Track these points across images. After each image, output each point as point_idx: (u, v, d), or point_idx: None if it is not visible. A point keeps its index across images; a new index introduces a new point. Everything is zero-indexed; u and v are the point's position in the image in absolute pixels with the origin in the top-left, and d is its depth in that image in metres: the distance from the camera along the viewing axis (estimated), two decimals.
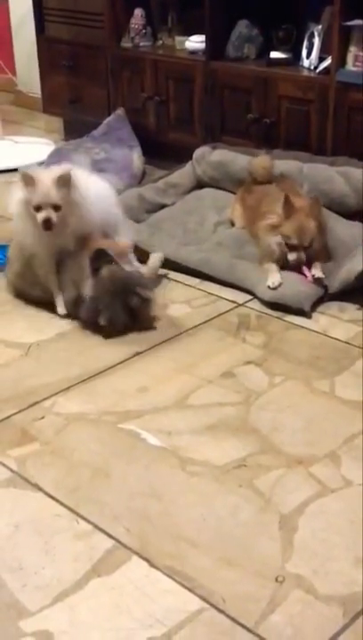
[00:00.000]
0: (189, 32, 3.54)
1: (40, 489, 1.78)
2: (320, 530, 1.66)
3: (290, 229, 2.50)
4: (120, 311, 2.34)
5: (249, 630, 1.43)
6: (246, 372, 2.21)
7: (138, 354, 2.30)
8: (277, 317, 2.48)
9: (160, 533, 1.65)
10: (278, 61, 3.29)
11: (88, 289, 2.33)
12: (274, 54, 3.31)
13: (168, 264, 2.74)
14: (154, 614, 1.47)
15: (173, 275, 2.74)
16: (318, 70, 3.15)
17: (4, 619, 1.46)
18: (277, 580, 1.54)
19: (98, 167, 3.44)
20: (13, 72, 4.83)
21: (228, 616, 1.46)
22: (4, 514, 1.71)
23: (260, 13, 3.35)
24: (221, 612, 1.47)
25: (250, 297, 2.59)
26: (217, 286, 2.67)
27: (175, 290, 2.66)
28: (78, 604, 1.49)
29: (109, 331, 2.36)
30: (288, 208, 2.52)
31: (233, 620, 1.46)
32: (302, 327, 2.43)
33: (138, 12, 3.63)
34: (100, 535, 1.65)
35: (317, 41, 3.17)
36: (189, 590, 1.52)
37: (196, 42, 3.48)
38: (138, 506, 1.73)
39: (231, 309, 2.54)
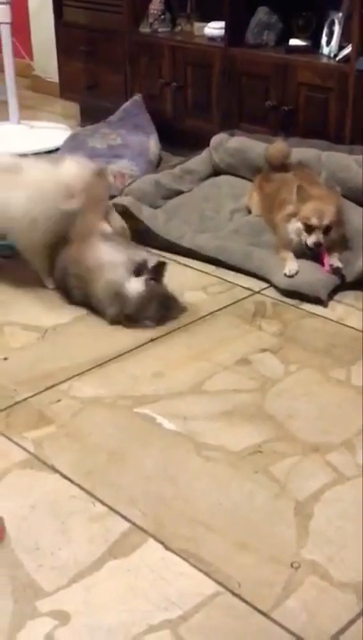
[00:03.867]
0: (208, 18, 3.53)
1: (56, 470, 1.79)
2: (336, 517, 1.66)
3: (309, 211, 2.50)
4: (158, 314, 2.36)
5: (264, 615, 1.44)
6: (261, 359, 2.21)
7: (154, 339, 2.30)
8: (293, 305, 2.48)
9: (176, 517, 1.66)
10: (297, 49, 3.28)
11: (134, 290, 2.32)
12: (293, 41, 3.30)
13: (184, 251, 2.74)
14: (169, 597, 1.47)
15: (188, 261, 2.74)
16: (337, 58, 3.13)
17: (20, 598, 1.47)
18: (292, 565, 1.54)
19: (114, 153, 3.44)
20: (31, 57, 4.82)
21: (243, 600, 1.47)
22: (20, 494, 1.72)
23: (280, 0, 3.33)
24: (236, 596, 1.48)
25: (266, 285, 2.59)
26: (233, 273, 2.66)
27: (191, 276, 2.66)
28: (94, 586, 1.50)
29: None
30: (302, 195, 2.51)
31: (248, 604, 1.46)
32: (319, 315, 2.42)
33: None
34: (115, 517, 1.66)
35: (337, 29, 3.15)
36: (205, 574, 1.52)
37: (215, 28, 3.47)
38: (153, 489, 1.73)
39: (247, 297, 2.54)
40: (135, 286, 2.30)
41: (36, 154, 3.67)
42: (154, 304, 2.33)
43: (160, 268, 2.34)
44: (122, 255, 2.37)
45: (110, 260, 2.36)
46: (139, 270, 2.31)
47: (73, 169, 2.44)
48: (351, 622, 1.42)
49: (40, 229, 2.44)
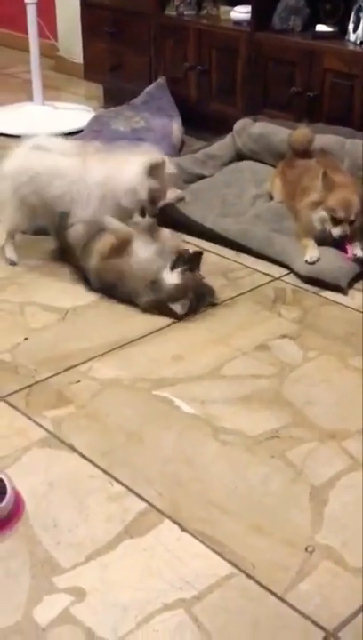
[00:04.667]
0: (235, 2, 3.50)
1: (75, 450, 1.81)
2: (351, 503, 1.67)
3: (336, 202, 2.49)
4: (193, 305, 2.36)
5: (278, 597, 1.46)
6: (280, 345, 2.22)
7: (173, 323, 2.31)
8: (313, 292, 2.48)
9: (192, 499, 1.68)
10: (323, 35, 3.25)
11: (171, 281, 2.32)
12: (320, 27, 3.27)
13: (206, 234, 2.75)
14: (184, 577, 1.50)
15: (209, 246, 2.74)
16: None
17: (38, 574, 1.50)
18: (306, 549, 1.56)
19: (137, 136, 3.44)
20: (55, 37, 4.82)
21: (257, 582, 1.49)
22: (39, 472, 1.74)
23: None
24: (250, 577, 1.50)
25: (286, 271, 2.59)
26: (253, 259, 2.67)
27: (212, 262, 2.66)
28: (110, 564, 1.53)
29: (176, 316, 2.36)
30: (328, 183, 2.51)
31: (263, 586, 1.48)
32: (338, 303, 2.43)
33: None
34: (132, 497, 1.68)
35: None
36: (220, 555, 1.54)
37: (241, 12, 3.45)
38: (170, 471, 1.75)
39: (267, 283, 2.54)
40: (172, 277, 2.31)
41: (59, 134, 3.69)
42: (189, 293, 2.33)
43: (196, 257, 2.35)
44: (155, 245, 2.38)
45: (143, 249, 2.38)
46: (176, 262, 2.32)
47: (138, 169, 2.46)
48: None
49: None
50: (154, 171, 2.43)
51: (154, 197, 2.46)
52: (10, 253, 2.61)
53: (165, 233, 2.52)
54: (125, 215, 2.47)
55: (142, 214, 2.47)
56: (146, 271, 2.35)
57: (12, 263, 2.60)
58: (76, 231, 2.49)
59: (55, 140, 2.63)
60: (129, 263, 2.37)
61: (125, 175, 2.44)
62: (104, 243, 2.41)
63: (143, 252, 2.38)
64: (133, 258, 2.37)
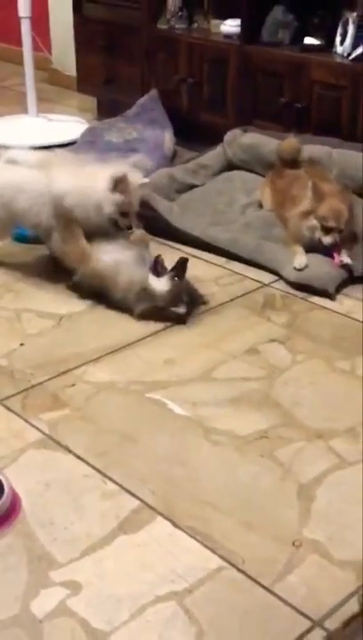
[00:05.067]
0: (225, 16, 3.58)
1: (70, 451, 1.86)
2: (337, 500, 1.73)
3: (327, 212, 2.56)
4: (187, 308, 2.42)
5: (266, 589, 1.51)
6: (270, 349, 2.28)
7: (166, 328, 2.37)
8: (301, 298, 2.54)
9: (184, 496, 1.73)
10: (311, 47, 3.33)
11: (161, 289, 2.39)
12: (308, 40, 3.35)
13: (197, 242, 2.81)
14: (176, 570, 1.55)
15: (200, 254, 2.81)
16: (351, 57, 3.19)
17: (35, 569, 1.55)
18: (294, 544, 1.62)
19: (130, 147, 3.51)
20: (49, 51, 4.89)
21: (246, 575, 1.54)
22: (35, 472, 1.80)
23: None
24: (240, 571, 1.55)
25: (276, 277, 2.66)
26: (243, 266, 2.73)
27: (202, 269, 2.73)
28: (105, 559, 1.58)
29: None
30: (318, 193, 2.57)
31: (251, 578, 1.54)
32: (326, 308, 2.49)
33: None
34: (126, 496, 1.73)
35: (351, 28, 3.20)
36: (211, 550, 1.60)
37: (231, 26, 3.52)
38: (163, 470, 1.81)
39: (257, 289, 2.61)
40: (161, 285, 2.37)
41: (53, 146, 3.76)
42: (181, 299, 2.39)
43: (182, 264, 2.40)
44: (129, 252, 2.45)
45: (120, 257, 2.44)
46: (156, 267, 2.38)
47: (102, 185, 2.49)
48: (349, 596, 1.49)
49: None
50: (119, 185, 2.46)
51: (123, 211, 2.49)
52: None
53: (137, 235, 2.57)
54: (99, 229, 2.50)
55: (116, 227, 2.51)
56: (129, 280, 2.40)
57: None
58: (56, 241, 2.54)
59: (27, 153, 2.66)
60: (110, 272, 2.42)
61: (90, 190, 2.47)
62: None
63: (113, 251, 2.44)
64: (110, 266, 2.43)
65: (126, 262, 2.43)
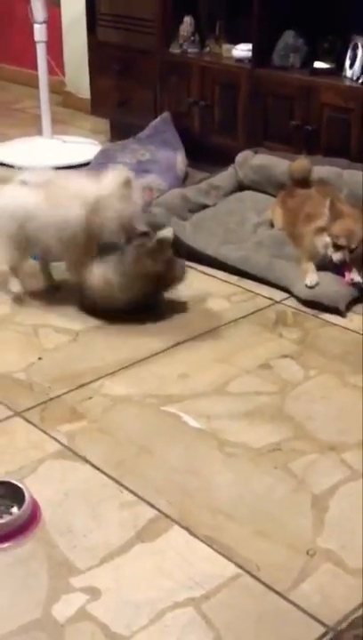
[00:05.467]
0: (236, 40, 3.66)
1: (88, 461, 1.91)
2: (349, 510, 1.77)
3: (340, 230, 2.62)
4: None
5: (281, 595, 1.55)
6: (282, 364, 2.32)
7: (179, 343, 2.42)
8: (312, 315, 2.59)
9: (199, 506, 1.77)
10: (321, 71, 3.41)
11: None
12: (318, 64, 3.42)
13: (209, 261, 2.87)
14: (193, 577, 1.59)
15: (213, 271, 2.86)
16: (360, 81, 3.26)
17: (56, 575, 1.59)
18: (308, 552, 1.65)
19: (143, 168, 3.57)
20: (63, 74, 4.99)
21: (262, 582, 1.58)
22: (54, 482, 1.84)
23: (306, 24, 3.46)
24: (255, 578, 1.59)
25: (287, 295, 2.71)
26: (255, 284, 2.78)
27: (215, 286, 2.78)
28: (123, 566, 1.62)
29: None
30: (335, 211, 2.64)
31: (267, 585, 1.57)
32: (337, 325, 2.54)
33: (187, 19, 3.76)
34: (143, 505, 1.77)
35: (360, 52, 3.28)
36: (226, 558, 1.64)
37: (242, 50, 3.60)
38: (179, 481, 1.85)
39: (269, 306, 2.66)
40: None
41: (68, 167, 3.84)
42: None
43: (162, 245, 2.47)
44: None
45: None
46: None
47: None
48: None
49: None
50: (97, 205, 2.49)
51: (121, 225, 2.51)
52: (14, 287, 2.66)
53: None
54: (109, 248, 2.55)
55: (128, 241, 2.54)
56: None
57: (18, 297, 2.65)
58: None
59: (37, 174, 2.69)
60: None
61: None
62: None
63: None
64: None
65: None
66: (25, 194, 2.57)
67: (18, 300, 2.65)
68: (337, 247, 2.64)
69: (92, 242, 2.52)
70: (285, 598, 1.55)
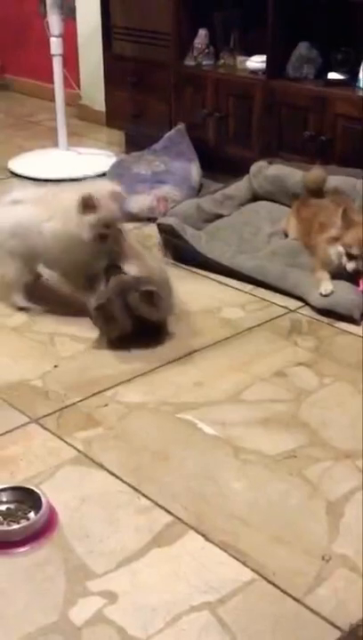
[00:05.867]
0: (251, 52, 3.69)
1: (104, 468, 1.92)
2: None
3: (352, 239, 2.63)
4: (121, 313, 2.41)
5: (297, 600, 1.56)
6: (297, 372, 2.33)
7: (195, 351, 2.44)
8: (327, 323, 2.60)
9: (215, 512, 1.78)
10: (335, 82, 3.43)
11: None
12: (332, 75, 3.45)
13: (224, 270, 2.89)
14: (209, 582, 1.60)
15: (228, 280, 2.88)
16: None
17: (73, 579, 1.61)
18: (323, 558, 1.66)
19: (158, 179, 3.61)
20: (79, 87, 5.04)
21: (277, 587, 1.59)
22: (71, 488, 1.86)
23: (320, 36, 3.49)
24: (271, 583, 1.60)
25: (301, 304, 2.72)
26: (270, 293, 2.80)
27: (230, 295, 2.80)
28: (140, 570, 1.63)
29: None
30: (347, 220, 2.65)
31: (282, 590, 1.58)
32: (351, 333, 2.54)
33: (202, 32, 3.80)
34: (159, 511, 1.79)
35: None
36: (242, 563, 1.65)
37: (257, 62, 3.63)
38: (194, 487, 1.86)
39: (284, 314, 2.67)
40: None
41: (84, 178, 3.88)
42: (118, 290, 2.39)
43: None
44: None
45: None
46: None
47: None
48: None
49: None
50: (88, 206, 2.48)
51: (101, 232, 2.47)
52: (21, 302, 2.69)
53: None
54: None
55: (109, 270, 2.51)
56: None
57: (25, 309, 2.68)
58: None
59: (28, 191, 2.74)
60: None
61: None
62: None
63: None
64: None
65: None
66: (21, 210, 2.61)
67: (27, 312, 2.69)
68: (350, 256, 2.65)
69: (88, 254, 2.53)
70: (300, 603, 1.55)
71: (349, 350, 2.45)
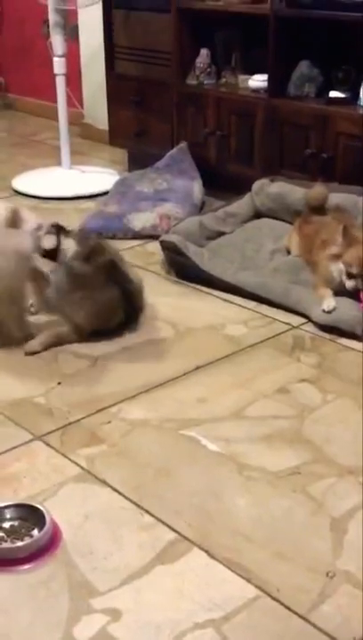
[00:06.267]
0: (252, 71, 3.72)
1: (107, 484, 1.92)
2: None
3: (352, 258, 2.64)
4: None
5: (301, 617, 1.55)
6: (300, 388, 2.34)
7: (198, 368, 2.45)
8: (330, 340, 2.61)
9: (219, 529, 1.78)
10: (336, 100, 3.45)
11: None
12: (333, 93, 3.47)
13: (227, 287, 2.90)
14: (213, 599, 1.59)
15: (230, 297, 2.89)
16: None
17: (76, 596, 1.60)
18: (327, 574, 1.65)
19: (160, 197, 3.63)
20: (82, 106, 5.08)
21: (282, 604, 1.58)
22: (75, 505, 1.86)
23: (321, 54, 3.52)
24: (275, 600, 1.59)
25: (304, 320, 2.72)
26: (273, 309, 2.80)
27: (233, 311, 2.81)
28: (144, 587, 1.63)
29: None
30: (348, 237, 2.66)
31: (287, 607, 1.58)
32: (354, 350, 2.55)
33: (204, 51, 3.83)
34: (162, 528, 1.78)
35: None
36: (246, 580, 1.64)
37: (258, 80, 3.66)
38: (198, 503, 1.86)
39: (286, 331, 2.67)
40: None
41: (87, 197, 3.91)
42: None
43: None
44: None
45: None
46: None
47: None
48: None
49: None
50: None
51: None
52: None
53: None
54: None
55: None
56: None
57: None
58: None
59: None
60: None
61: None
62: None
63: None
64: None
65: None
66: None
67: None
68: (350, 275, 2.66)
69: None
70: (305, 619, 1.55)
71: (352, 366, 2.45)
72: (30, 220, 2.51)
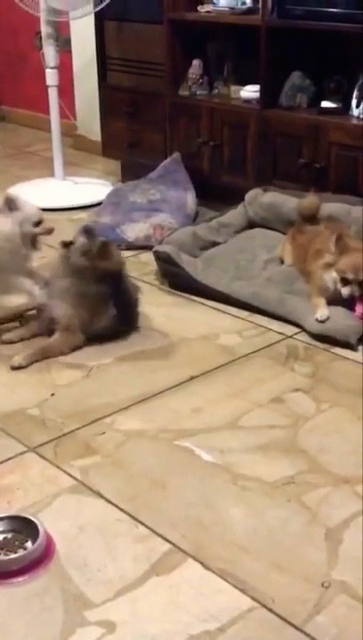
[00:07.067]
0: (244, 82, 3.73)
1: (102, 496, 1.91)
2: None
3: (346, 265, 2.65)
4: None
5: (297, 628, 1.54)
6: (294, 398, 2.33)
7: (192, 378, 2.44)
8: (324, 349, 2.60)
9: (214, 540, 1.77)
10: (328, 110, 3.46)
11: None
12: (325, 103, 3.48)
13: (220, 297, 2.90)
14: (208, 610, 1.58)
15: (224, 307, 2.89)
16: None
17: (70, 609, 1.59)
18: (323, 585, 1.65)
19: (154, 207, 3.63)
20: (74, 117, 5.08)
21: (277, 615, 1.58)
22: (69, 517, 1.85)
23: (312, 65, 3.54)
24: (270, 611, 1.59)
25: (298, 329, 2.72)
26: (266, 319, 2.80)
27: (227, 321, 2.81)
28: (139, 599, 1.62)
29: None
30: (341, 245, 2.67)
31: (282, 618, 1.57)
32: (348, 359, 2.55)
33: (196, 62, 3.84)
34: (157, 539, 1.78)
35: None
36: (241, 591, 1.63)
37: (250, 91, 3.67)
38: (193, 514, 1.85)
39: (280, 340, 2.67)
40: None
41: (80, 208, 3.91)
42: None
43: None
44: None
45: None
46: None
47: None
48: None
49: None
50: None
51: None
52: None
53: None
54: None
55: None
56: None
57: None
58: None
59: None
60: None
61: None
62: None
63: None
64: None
65: None
66: None
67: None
68: (345, 282, 2.66)
69: None
70: (300, 631, 1.54)
71: (346, 376, 2.45)
72: (25, 208, 2.64)
